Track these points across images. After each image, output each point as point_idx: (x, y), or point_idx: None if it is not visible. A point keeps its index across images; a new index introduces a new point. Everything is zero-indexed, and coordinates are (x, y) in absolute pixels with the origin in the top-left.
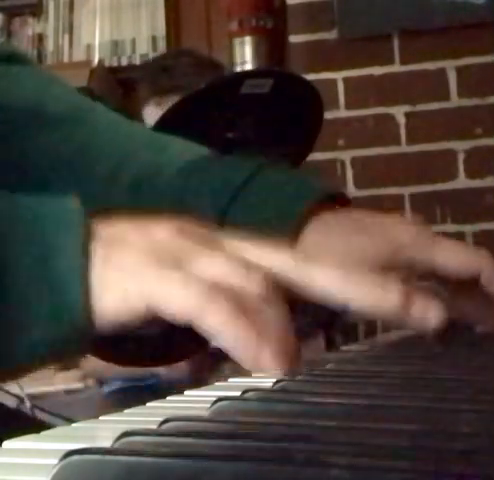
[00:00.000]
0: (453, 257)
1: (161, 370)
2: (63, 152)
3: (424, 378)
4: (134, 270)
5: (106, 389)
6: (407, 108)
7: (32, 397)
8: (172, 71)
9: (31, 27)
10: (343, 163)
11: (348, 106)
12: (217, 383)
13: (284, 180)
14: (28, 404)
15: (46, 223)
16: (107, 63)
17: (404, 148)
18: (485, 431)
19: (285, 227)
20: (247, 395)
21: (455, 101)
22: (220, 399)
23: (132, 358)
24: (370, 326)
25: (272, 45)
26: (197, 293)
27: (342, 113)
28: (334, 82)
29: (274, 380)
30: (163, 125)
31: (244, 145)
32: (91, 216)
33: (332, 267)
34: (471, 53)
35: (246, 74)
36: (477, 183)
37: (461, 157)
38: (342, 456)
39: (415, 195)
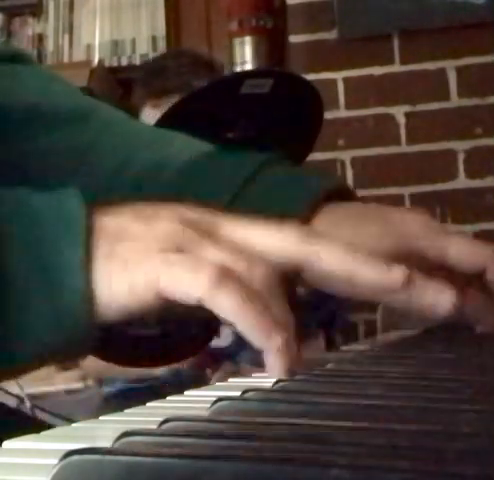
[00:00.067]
0: (463, 249)
1: (161, 372)
2: (67, 151)
3: (424, 378)
4: (139, 259)
5: (106, 389)
6: (407, 108)
7: (32, 397)
8: (166, 72)
9: (31, 27)
10: (343, 163)
11: (348, 106)
12: (217, 383)
13: (292, 172)
14: (28, 404)
15: (46, 220)
16: (107, 63)
17: (404, 148)
18: (485, 431)
19: (294, 218)
20: (247, 395)
21: (455, 101)
22: (220, 399)
23: (132, 358)
24: (370, 326)
25: (272, 45)
26: (206, 276)
27: (342, 113)
28: (334, 82)
29: (274, 380)
30: (163, 125)
31: (244, 145)
32: (92, 208)
33: (337, 243)
34: (471, 53)
35: (246, 74)
36: (477, 183)
37: (461, 157)
38: (342, 456)
39: (415, 195)
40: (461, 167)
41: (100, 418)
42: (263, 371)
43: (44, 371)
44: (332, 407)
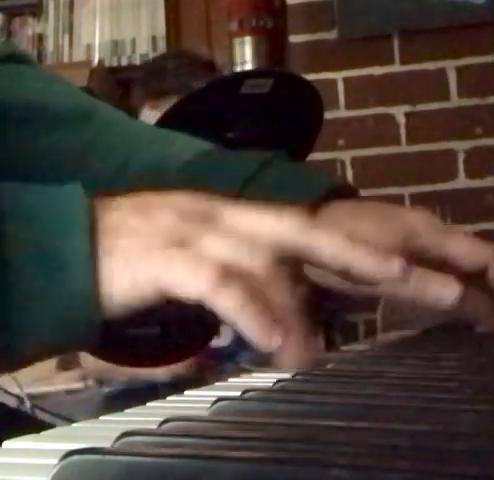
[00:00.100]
0: (464, 247)
1: (160, 376)
2: (67, 151)
3: (424, 378)
4: (141, 255)
5: (106, 389)
6: (407, 108)
7: (32, 397)
8: (164, 74)
9: (31, 27)
10: (343, 163)
11: (348, 106)
12: (217, 383)
13: (293, 171)
14: (28, 404)
15: (46, 216)
16: (107, 63)
17: (404, 148)
18: (485, 431)
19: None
20: (247, 395)
21: (455, 101)
22: (220, 399)
23: (132, 358)
24: (370, 326)
25: (272, 45)
26: (208, 275)
27: (342, 113)
28: (334, 82)
29: (274, 380)
30: (163, 125)
31: (244, 145)
32: (92, 203)
33: (337, 231)
34: (471, 53)
35: (246, 74)
36: (477, 183)
37: (461, 157)
38: (342, 456)
39: (415, 195)
40: (461, 167)
41: (100, 418)
42: (263, 371)
43: (44, 371)
44: (332, 407)
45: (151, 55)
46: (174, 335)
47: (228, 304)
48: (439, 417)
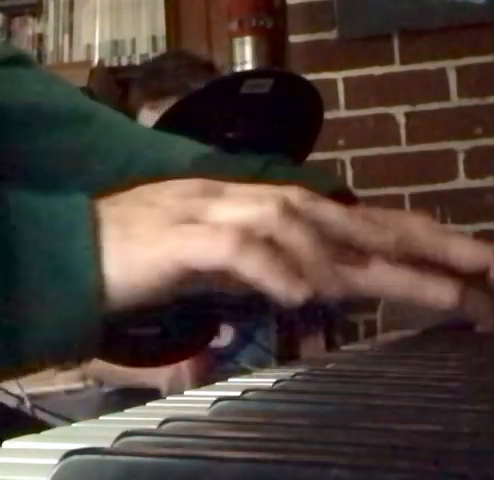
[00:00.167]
0: (465, 249)
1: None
2: (67, 152)
3: (424, 378)
4: (155, 236)
5: (106, 389)
6: (407, 108)
7: (32, 397)
8: (163, 74)
9: (31, 27)
10: (343, 163)
11: (348, 106)
12: (217, 383)
13: (292, 174)
14: (28, 404)
15: (51, 215)
16: (107, 63)
17: (404, 148)
18: (485, 431)
19: None
20: (247, 395)
21: (455, 101)
22: (220, 399)
23: (132, 358)
24: (370, 326)
25: (272, 45)
26: (228, 240)
27: (342, 113)
28: (334, 82)
29: (274, 380)
30: (163, 125)
31: (244, 145)
32: (94, 200)
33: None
34: (471, 53)
35: (246, 74)
36: (477, 183)
37: (461, 157)
38: (342, 456)
39: (415, 195)
40: (461, 167)
41: (100, 418)
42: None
43: (44, 371)
44: (332, 407)
45: (151, 55)
46: (174, 335)
47: (253, 264)
48: (439, 417)
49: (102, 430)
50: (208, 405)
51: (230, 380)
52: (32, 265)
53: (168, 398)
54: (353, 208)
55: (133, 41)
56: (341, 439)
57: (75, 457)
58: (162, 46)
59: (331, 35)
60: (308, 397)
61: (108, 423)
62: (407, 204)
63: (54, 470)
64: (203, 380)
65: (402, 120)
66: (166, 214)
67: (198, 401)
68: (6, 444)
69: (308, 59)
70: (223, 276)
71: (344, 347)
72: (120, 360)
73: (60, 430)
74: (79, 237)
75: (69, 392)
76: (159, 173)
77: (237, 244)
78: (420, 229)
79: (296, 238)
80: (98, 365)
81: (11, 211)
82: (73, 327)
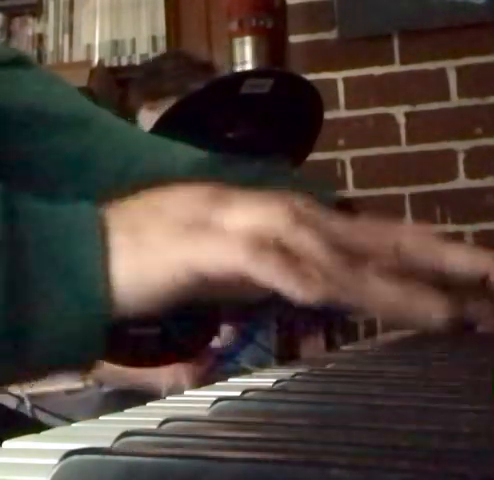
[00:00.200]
0: (461, 259)
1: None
2: (67, 154)
3: (424, 378)
4: (168, 243)
5: (106, 389)
6: (407, 108)
7: (32, 397)
8: (161, 75)
9: (31, 27)
10: (343, 163)
11: (348, 106)
12: (217, 383)
13: (295, 181)
14: (28, 404)
15: (59, 220)
16: (107, 63)
17: (404, 148)
18: (485, 431)
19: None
20: (247, 395)
21: (455, 101)
22: (220, 399)
23: (132, 358)
24: (370, 326)
25: (272, 45)
26: (242, 246)
27: (342, 113)
28: (334, 82)
29: (274, 380)
30: (163, 125)
31: (244, 145)
32: (102, 206)
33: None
34: (471, 53)
35: (246, 74)
36: (477, 183)
37: (461, 157)
38: (342, 456)
39: (415, 195)
40: (461, 167)
41: (100, 418)
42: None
43: None
44: (332, 407)
45: (151, 55)
46: (174, 335)
47: (267, 269)
48: (439, 417)
49: (102, 430)
50: (208, 405)
51: (230, 380)
52: (41, 269)
53: (168, 398)
54: (353, 219)
55: (133, 41)
56: (341, 439)
57: (75, 457)
58: (162, 46)
59: (331, 35)
60: (308, 397)
61: (108, 423)
62: (407, 204)
63: (54, 470)
64: (203, 380)
65: (402, 120)
66: (177, 221)
67: (198, 401)
68: (6, 444)
69: (308, 59)
70: (235, 282)
71: (344, 347)
72: (120, 360)
73: (60, 430)
74: (87, 245)
75: (69, 392)
76: (157, 177)
77: (250, 250)
78: (415, 239)
79: (306, 242)
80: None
81: (21, 216)
82: (80, 331)
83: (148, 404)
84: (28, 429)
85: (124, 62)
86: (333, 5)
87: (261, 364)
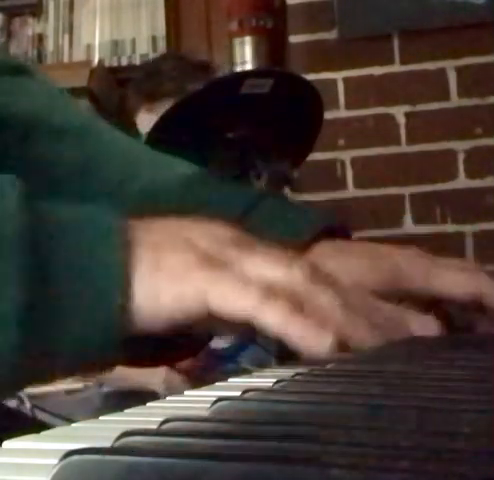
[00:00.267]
0: (450, 283)
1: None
2: (70, 163)
3: (424, 378)
4: (186, 272)
5: (106, 389)
6: (407, 108)
7: (32, 397)
8: (158, 77)
9: (31, 27)
10: (343, 163)
11: (348, 106)
12: (217, 383)
13: (283, 211)
14: (28, 404)
15: (83, 232)
16: (107, 63)
17: (404, 148)
18: (485, 431)
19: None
20: (247, 395)
21: (455, 101)
22: (220, 399)
23: (132, 358)
24: None
25: (272, 45)
26: (254, 292)
27: (342, 113)
28: (334, 82)
29: (274, 380)
30: (163, 126)
31: (244, 145)
32: (125, 222)
33: (336, 293)
34: (471, 53)
35: (246, 74)
36: (477, 183)
37: (461, 157)
38: (342, 456)
39: (415, 195)
40: (461, 167)
41: (100, 418)
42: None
43: None
44: (332, 407)
45: (151, 55)
46: (174, 335)
47: (275, 318)
48: (439, 417)
49: (102, 430)
50: (208, 405)
51: (230, 380)
52: (62, 271)
53: (168, 398)
54: (346, 244)
55: (133, 41)
56: (341, 439)
57: (75, 457)
58: (162, 46)
59: (331, 35)
60: (308, 397)
61: (108, 423)
62: (407, 204)
63: (54, 470)
64: (199, 380)
65: (402, 120)
66: (200, 254)
67: (198, 401)
68: (6, 444)
69: (308, 59)
70: (241, 324)
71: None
72: (120, 360)
73: (60, 430)
74: (110, 251)
75: (69, 392)
76: (154, 194)
77: (262, 298)
78: (405, 265)
79: (324, 303)
80: None
81: (43, 217)
82: (97, 336)
83: (148, 404)
84: (28, 429)
85: (124, 62)
86: (333, 5)
87: (261, 364)
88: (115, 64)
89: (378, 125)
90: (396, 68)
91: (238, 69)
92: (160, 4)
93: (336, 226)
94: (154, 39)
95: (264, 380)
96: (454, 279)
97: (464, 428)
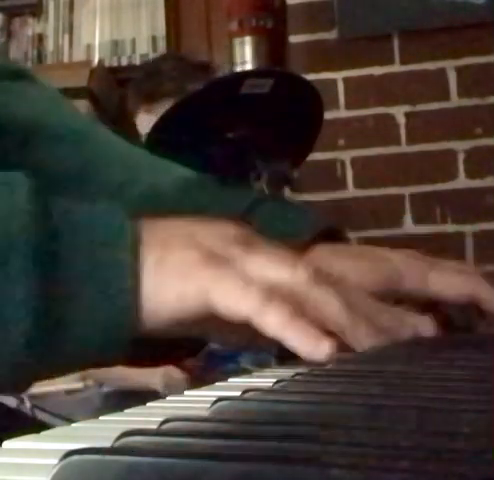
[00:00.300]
0: (446, 286)
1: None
2: (69, 166)
3: (424, 378)
4: (190, 270)
5: (106, 389)
6: (407, 108)
7: (32, 397)
8: (157, 77)
9: (31, 27)
10: (343, 163)
11: (348, 106)
12: (217, 383)
13: (287, 208)
14: (28, 404)
15: (94, 230)
16: (107, 63)
17: (404, 148)
18: (485, 431)
19: (297, 242)
20: (247, 395)
21: (455, 101)
22: (220, 399)
23: (132, 358)
24: None
25: (272, 45)
26: (255, 293)
27: (342, 113)
28: (334, 82)
29: (274, 380)
30: (163, 126)
31: (244, 145)
32: (135, 221)
33: (338, 296)
34: (471, 53)
35: (246, 74)
36: (477, 183)
37: (461, 157)
38: (342, 456)
39: (415, 195)
40: (461, 167)
41: (100, 418)
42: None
43: None
44: (332, 407)
45: (151, 55)
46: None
47: (275, 321)
48: (439, 417)
49: (102, 430)
50: (208, 405)
51: (230, 380)
52: (72, 267)
53: (168, 398)
54: (343, 246)
55: (133, 41)
56: (341, 439)
57: (75, 457)
58: (162, 46)
59: (331, 35)
60: (308, 397)
61: (108, 423)
62: (407, 204)
63: (54, 470)
64: (199, 380)
65: (402, 120)
66: (205, 252)
67: (198, 401)
68: (6, 444)
69: (308, 59)
70: (241, 326)
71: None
72: (120, 360)
73: (60, 430)
74: (120, 255)
75: (69, 392)
76: (154, 198)
77: (263, 299)
78: (401, 267)
79: (327, 304)
80: None
81: (55, 214)
82: (105, 332)
83: (148, 404)
84: (28, 429)
85: (124, 62)
86: (333, 5)
87: (261, 364)
88: (115, 64)
89: (378, 125)
90: (396, 68)
91: (238, 69)
92: (160, 4)
93: (334, 228)
94: (154, 39)
95: (264, 380)
96: (450, 281)
97: (464, 428)
